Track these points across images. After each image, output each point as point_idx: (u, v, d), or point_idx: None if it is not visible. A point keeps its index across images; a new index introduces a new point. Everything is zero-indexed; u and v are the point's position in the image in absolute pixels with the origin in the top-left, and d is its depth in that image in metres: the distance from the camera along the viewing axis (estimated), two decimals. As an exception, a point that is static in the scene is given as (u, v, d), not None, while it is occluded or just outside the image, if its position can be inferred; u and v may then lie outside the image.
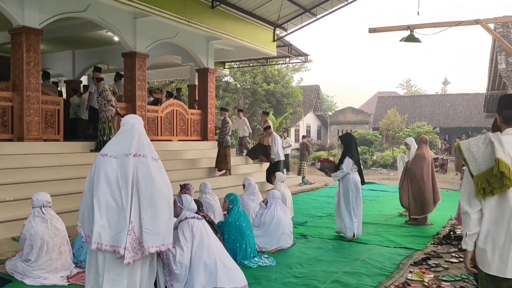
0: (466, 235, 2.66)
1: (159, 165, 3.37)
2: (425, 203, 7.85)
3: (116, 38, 11.36)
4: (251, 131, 14.21)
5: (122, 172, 3.18)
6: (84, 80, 15.65)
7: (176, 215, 4.09)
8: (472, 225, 2.63)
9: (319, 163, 7.28)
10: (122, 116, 9.59)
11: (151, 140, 3.47)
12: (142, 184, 3.22)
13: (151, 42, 11.12)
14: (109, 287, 3.22)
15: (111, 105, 9.18)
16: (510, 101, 2.76)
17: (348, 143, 6.92)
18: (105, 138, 9.02)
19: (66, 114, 10.39)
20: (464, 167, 2.78)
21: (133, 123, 3.40)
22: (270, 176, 10.39)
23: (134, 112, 10.55)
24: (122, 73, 11.35)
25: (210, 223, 5.12)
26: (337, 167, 6.89)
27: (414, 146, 8.67)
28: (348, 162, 6.74)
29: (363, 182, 6.96)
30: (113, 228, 3.15)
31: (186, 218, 4.12)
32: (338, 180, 6.94)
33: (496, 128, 2.99)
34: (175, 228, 4.01)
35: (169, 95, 13.92)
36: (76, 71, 13.92)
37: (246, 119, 14.59)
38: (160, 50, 12.42)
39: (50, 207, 4.90)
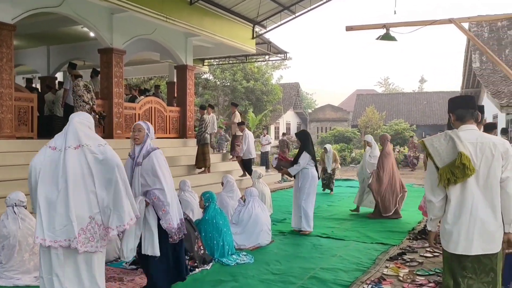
0: (431, 219, 3.09)
1: (106, 148, 3.30)
2: (395, 198, 8.09)
3: (92, 34, 11.18)
4: (215, 130, 14.25)
5: (63, 164, 3.15)
6: (59, 76, 15.36)
7: (141, 141, 3.98)
8: (436, 211, 3.04)
9: (275, 161, 7.39)
10: (97, 114, 9.45)
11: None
12: (94, 172, 3.19)
13: (128, 38, 10.98)
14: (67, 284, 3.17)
15: (83, 101, 9.05)
16: (461, 101, 3.19)
17: (305, 139, 7.05)
18: None
19: (40, 111, 10.18)
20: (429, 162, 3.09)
21: (71, 117, 3.39)
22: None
23: (111, 109, 10.41)
24: (99, 69, 11.18)
25: (188, 221, 5.10)
26: (293, 162, 7.00)
27: (374, 143, 8.88)
28: (305, 157, 6.87)
29: (318, 177, 7.09)
30: (57, 223, 3.09)
31: (158, 148, 4.06)
32: (294, 176, 7.06)
33: (450, 126, 3.32)
34: (143, 158, 3.95)
35: (142, 92, 13.70)
36: (51, 67, 13.64)
37: (214, 116, 14.46)
38: (137, 46, 12.26)
39: (24, 206, 4.79)
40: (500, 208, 2.91)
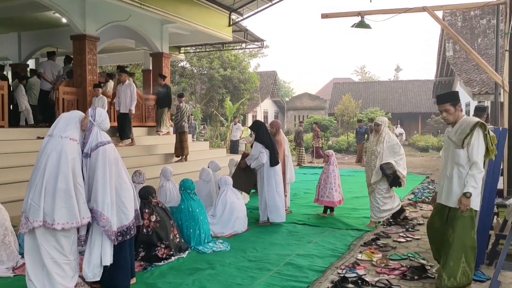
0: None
1: (60, 141, 3.54)
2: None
3: (64, 20, 10.88)
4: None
5: None
6: (31, 63, 14.94)
7: (85, 127, 3.70)
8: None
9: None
10: None
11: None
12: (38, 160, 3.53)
13: (102, 25, 10.73)
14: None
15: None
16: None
17: (257, 129, 6.94)
18: None
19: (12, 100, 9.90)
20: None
21: None
22: None
23: (85, 97, 10.20)
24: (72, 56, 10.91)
25: (163, 209, 5.07)
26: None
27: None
28: (256, 146, 6.80)
29: (273, 163, 6.78)
30: None
31: (109, 142, 3.76)
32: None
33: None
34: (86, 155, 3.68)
35: (110, 76, 13.30)
36: (22, 54, 13.24)
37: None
38: (112, 33, 12.00)
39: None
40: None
